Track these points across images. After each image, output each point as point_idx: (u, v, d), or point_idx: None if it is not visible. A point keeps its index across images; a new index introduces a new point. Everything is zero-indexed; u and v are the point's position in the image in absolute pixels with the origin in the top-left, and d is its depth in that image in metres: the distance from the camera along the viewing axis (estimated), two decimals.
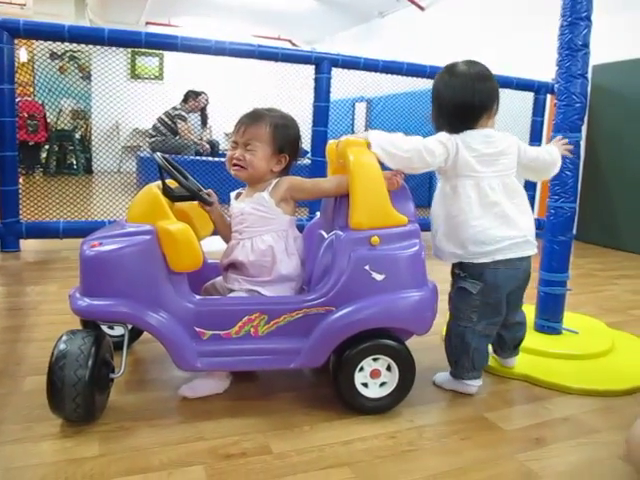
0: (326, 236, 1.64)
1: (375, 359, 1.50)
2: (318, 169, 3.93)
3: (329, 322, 1.46)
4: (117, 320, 1.46)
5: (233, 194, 1.70)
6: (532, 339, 2.05)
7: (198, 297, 1.50)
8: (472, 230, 1.56)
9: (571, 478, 1.29)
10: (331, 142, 1.69)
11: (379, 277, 1.48)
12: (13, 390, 1.57)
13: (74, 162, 7.95)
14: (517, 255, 1.59)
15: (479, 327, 1.63)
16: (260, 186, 1.60)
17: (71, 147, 7.93)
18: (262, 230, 1.57)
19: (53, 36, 3.35)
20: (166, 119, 6.45)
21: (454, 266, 1.67)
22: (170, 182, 1.58)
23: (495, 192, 1.56)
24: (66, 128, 7.86)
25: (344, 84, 4.19)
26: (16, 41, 3.28)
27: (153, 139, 6.43)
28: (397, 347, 1.51)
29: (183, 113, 6.49)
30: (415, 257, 1.52)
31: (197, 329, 1.45)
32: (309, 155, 4.45)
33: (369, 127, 6.89)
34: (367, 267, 1.47)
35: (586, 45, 1.98)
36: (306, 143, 4.69)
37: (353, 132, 7.14)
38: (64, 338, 1.37)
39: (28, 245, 3.50)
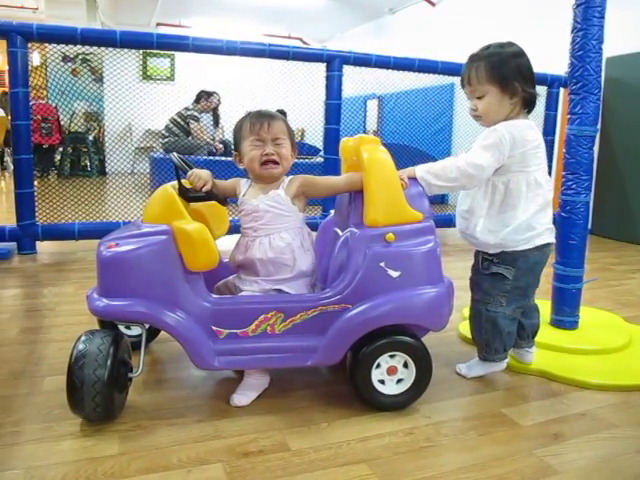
0: (341, 234, 1.64)
1: (392, 356, 1.50)
2: (331, 167, 3.93)
3: (345, 319, 1.46)
4: (135, 320, 1.47)
5: (241, 189, 1.65)
6: (548, 334, 2.04)
7: (214, 296, 1.51)
8: (519, 222, 1.59)
9: (590, 473, 1.28)
10: (344, 140, 1.70)
11: (395, 274, 1.48)
12: (33, 390, 1.59)
13: (88, 164, 8.03)
14: (550, 240, 1.66)
15: (508, 311, 1.67)
16: (273, 184, 1.61)
17: (85, 149, 8.01)
18: (279, 227, 1.56)
19: (66, 39, 3.38)
20: (179, 119, 6.49)
21: (484, 252, 1.68)
22: (186, 182, 1.58)
23: (540, 184, 1.60)
24: (79, 130, 7.92)
25: (355, 82, 4.19)
26: (29, 45, 3.32)
27: (166, 140, 6.47)
28: (414, 344, 1.51)
29: (195, 113, 6.52)
30: (430, 253, 1.52)
31: (214, 328, 1.46)
32: (322, 153, 4.45)
33: (381, 124, 6.89)
34: (382, 264, 1.48)
35: (600, 38, 1.97)
36: (319, 141, 4.70)
37: (365, 129, 7.14)
38: (83, 338, 1.38)
39: (44, 247, 3.53)
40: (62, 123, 7.49)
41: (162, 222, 1.46)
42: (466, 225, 1.68)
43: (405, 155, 5.80)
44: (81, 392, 1.32)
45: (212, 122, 6.85)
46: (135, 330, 1.82)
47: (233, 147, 1.66)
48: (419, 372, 1.52)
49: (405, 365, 1.52)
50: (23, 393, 1.58)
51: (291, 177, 1.61)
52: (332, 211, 1.89)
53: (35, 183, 3.50)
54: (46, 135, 7.05)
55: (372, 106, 7.09)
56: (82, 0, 8.21)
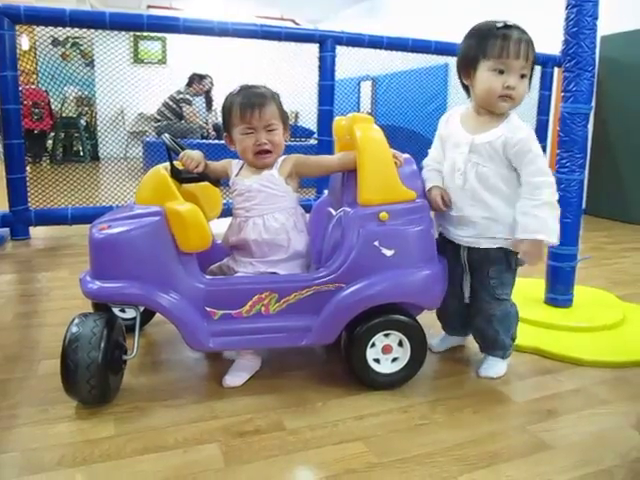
0: (334, 213, 1.64)
1: (386, 335, 1.50)
2: (325, 148, 3.92)
3: (340, 299, 1.46)
4: (128, 302, 1.47)
5: (233, 170, 1.63)
6: (543, 312, 2.05)
7: (208, 277, 1.50)
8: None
9: (583, 448, 1.29)
10: (338, 119, 1.69)
11: (389, 253, 1.47)
12: (28, 374, 1.59)
13: (80, 149, 7.96)
14: None
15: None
16: None
17: (77, 134, 7.93)
18: (273, 208, 1.55)
19: (54, 21, 3.33)
20: (171, 103, 6.44)
21: (494, 251, 1.56)
22: (178, 163, 1.57)
23: None
24: (71, 115, 7.84)
25: (348, 63, 4.16)
26: (17, 27, 3.27)
27: (158, 123, 6.42)
28: (408, 322, 1.51)
29: (188, 97, 6.47)
30: (424, 232, 1.52)
31: (208, 309, 1.46)
32: (315, 135, 4.43)
33: (375, 106, 6.84)
34: (376, 243, 1.47)
35: (594, 14, 1.95)
36: (312, 123, 4.66)
37: (359, 111, 7.09)
38: (76, 321, 1.38)
39: (38, 232, 3.52)
40: (53, 108, 7.40)
41: (154, 203, 1.45)
42: (487, 228, 1.53)
43: (399, 136, 5.80)
44: (75, 375, 1.32)
45: (205, 105, 6.80)
46: (129, 313, 1.82)
47: (223, 128, 1.63)
48: (414, 351, 1.52)
49: (400, 344, 1.52)
50: (18, 377, 1.57)
51: (284, 157, 1.59)
52: (326, 191, 1.88)
53: (27, 169, 3.47)
54: (37, 120, 6.98)
55: (366, 88, 7.04)
56: None
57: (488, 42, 1.45)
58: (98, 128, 8.17)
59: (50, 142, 7.62)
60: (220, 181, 1.68)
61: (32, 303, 2.26)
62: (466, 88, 1.58)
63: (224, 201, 1.82)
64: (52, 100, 7.32)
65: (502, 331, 1.62)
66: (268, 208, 1.55)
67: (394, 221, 1.49)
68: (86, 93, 8.30)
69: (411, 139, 5.87)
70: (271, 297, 1.47)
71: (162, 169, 1.52)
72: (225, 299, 1.46)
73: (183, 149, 1.59)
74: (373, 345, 1.50)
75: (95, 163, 7.56)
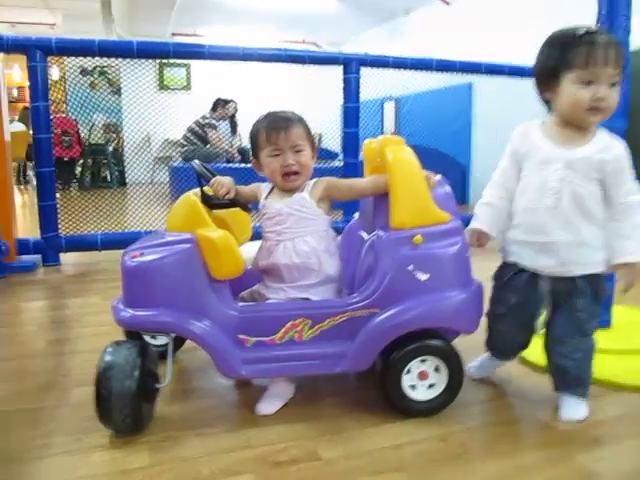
0: (366, 237, 1.62)
1: (422, 360, 1.46)
2: (350, 170, 3.91)
3: (374, 324, 1.43)
4: (161, 330, 1.46)
5: (262, 193, 1.62)
6: None
7: (240, 304, 1.49)
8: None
9: (636, 478, 1.23)
10: (367, 141, 1.67)
11: (423, 277, 1.44)
12: (61, 402, 1.59)
13: (108, 175, 8.09)
14: None
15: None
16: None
17: (104, 161, 8.07)
18: (304, 231, 1.52)
19: (84, 52, 3.42)
20: (196, 128, 6.53)
21: (582, 281, 1.44)
22: (208, 189, 1.57)
23: None
24: (99, 142, 7.99)
25: (372, 85, 4.17)
26: (48, 58, 3.35)
27: (184, 148, 6.51)
28: (445, 347, 1.47)
29: (213, 121, 6.55)
30: (459, 255, 1.48)
31: (240, 336, 1.44)
32: (340, 157, 4.43)
33: (398, 126, 6.84)
34: (411, 267, 1.44)
35: (627, 28, 1.91)
36: (335, 144, 4.67)
37: (382, 132, 7.10)
38: (109, 349, 1.37)
39: (68, 258, 3.55)
40: (82, 135, 7.55)
41: (186, 230, 1.44)
42: (577, 254, 1.42)
43: (424, 156, 5.76)
44: (109, 403, 1.31)
45: (230, 130, 6.88)
46: (160, 340, 1.81)
47: (251, 153, 1.63)
48: (451, 377, 1.48)
49: (436, 369, 1.48)
50: (51, 405, 1.57)
51: (316, 180, 1.58)
52: (356, 214, 1.86)
53: (57, 195, 3.53)
54: (67, 148, 7.13)
55: (389, 108, 7.05)
56: (98, 14, 8.32)
57: (571, 51, 1.33)
58: (125, 154, 8.31)
59: (79, 169, 7.76)
60: (249, 206, 1.67)
61: (64, 329, 2.27)
62: (546, 101, 1.47)
63: (253, 224, 1.81)
64: (81, 128, 7.47)
65: (586, 368, 1.49)
66: (299, 231, 1.53)
67: (428, 244, 1.45)
68: (114, 120, 8.46)
69: (436, 159, 5.86)
70: (304, 323, 1.45)
71: (193, 195, 1.52)
72: (258, 326, 1.45)
73: (214, 175, 1.59)
74: (409, 371, 1.46)
75: (122, 189, 7.68)
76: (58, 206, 3.51)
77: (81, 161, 7.78)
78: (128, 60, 3.66)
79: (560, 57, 1.35)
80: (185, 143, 6.56)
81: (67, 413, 1.52)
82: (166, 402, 1.57)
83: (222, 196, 1.54)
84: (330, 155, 6.72)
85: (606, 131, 1.43)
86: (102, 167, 8.22)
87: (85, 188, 7.49)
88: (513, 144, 1.50)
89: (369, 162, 1.68)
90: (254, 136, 1.58)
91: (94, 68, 8.79)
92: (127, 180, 7.92)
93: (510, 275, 1.52)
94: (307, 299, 1.51)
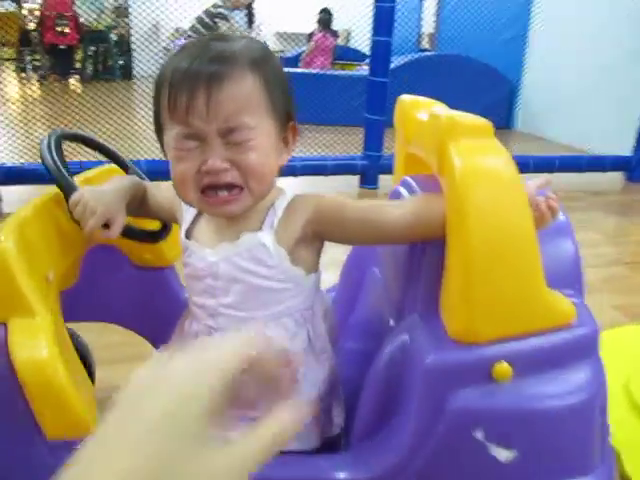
0: (379, 275, 0.98)
1: None
2: (376, 92, 3.20)
3: None
4: None
5: (185, 217, 0.86)
6: None
7: None
8: None
9: None
10: (404, 98, 1.00)
11: (505, 455, 0.73)
12: None
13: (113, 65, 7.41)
14: None
15: None
16: (248, 217, 0.79)
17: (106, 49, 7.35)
18: (262, 315, 0.79)
19: None
20: (206, 18, 5.71)
21: None
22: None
23: None
24: (100, 29, 7.22)
25: None
26: None
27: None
28: None
29: (225, 12, 5.71)
30: (584, 408, 0.75)
31: None
32: (367, 61, 3.70)
33: (439, 29, 5.97)
34: (480, 434, 0.72)
35: None
36: (365, 46, 3.91)
37: (419, 34, 6.22)
38: None
39: None
40: (82, 20, 6.77)
41: None
42: None
43: (466, 70, 4.98)
44: None
45: (246, 22, 6.08)
46: None
47: (154, 130, 0.80)
48: None
49: None
50: None
51: (292, 198, 0.81)
52: None
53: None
54: (61, 34, 6.37)
55: (429, 6, 6.13)
56: None
57: None
58: (132, 44, 7.59)
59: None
60: (163, 232, 1.01)
61: None
62: None
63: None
64: (80, 11, 6.68)
65: None
66: (253, 315, 0.80)
67: (521, 381, 0.72)
68: (122, 2, 7.62)
69: (479, 72, 5.05)
70: None
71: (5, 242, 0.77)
72: None
73: (74, 187, 0.85)
74: None
75: (127, 82, 7.01)
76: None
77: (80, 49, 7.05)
78: None
79: None
80: (193, 35, 5.79)
81: None
82: None
83: (88, 233, 0.83)
84: (357, 57, 5.89)
85: None
86: (107, 57, 7.48)
87: (87, 80, 6.82)
88: None
89: (402, 142, 0.99)
90: (156, 92, 0.76)
91: None
92: (134, 73, 7.26)
93: None
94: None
